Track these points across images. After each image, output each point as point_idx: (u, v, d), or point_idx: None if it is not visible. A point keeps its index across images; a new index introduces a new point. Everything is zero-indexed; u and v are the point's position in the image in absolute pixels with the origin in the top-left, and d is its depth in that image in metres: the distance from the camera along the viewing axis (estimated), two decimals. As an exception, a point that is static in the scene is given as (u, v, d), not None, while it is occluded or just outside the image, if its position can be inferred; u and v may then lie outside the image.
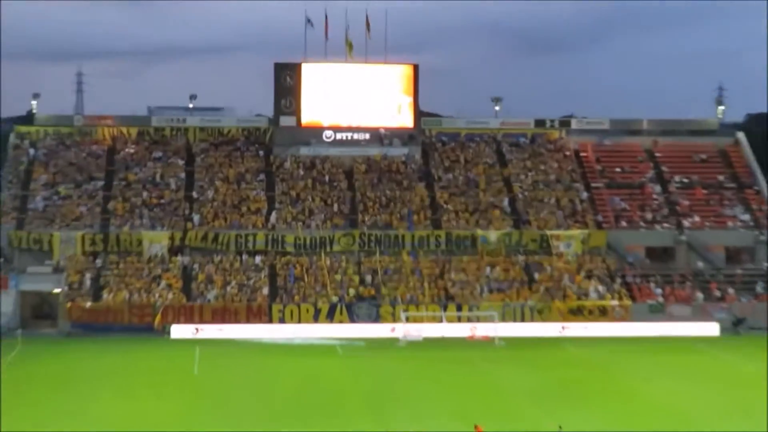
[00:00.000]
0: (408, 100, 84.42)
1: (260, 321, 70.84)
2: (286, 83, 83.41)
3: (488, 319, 69.32)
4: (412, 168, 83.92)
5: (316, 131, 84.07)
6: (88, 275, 73.36)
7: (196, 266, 74.87)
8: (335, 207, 79.85)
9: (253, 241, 76.45)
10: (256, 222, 78.11)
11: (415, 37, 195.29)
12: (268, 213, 78.98)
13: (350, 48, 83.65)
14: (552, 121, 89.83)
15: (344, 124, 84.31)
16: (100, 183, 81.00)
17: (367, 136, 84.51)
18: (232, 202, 79.66)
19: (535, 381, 54.07)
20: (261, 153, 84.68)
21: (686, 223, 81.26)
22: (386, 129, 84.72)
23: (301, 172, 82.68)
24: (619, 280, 75.87)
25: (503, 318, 70.76)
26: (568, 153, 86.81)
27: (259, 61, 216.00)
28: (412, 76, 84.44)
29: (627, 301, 74.09)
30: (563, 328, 70.64)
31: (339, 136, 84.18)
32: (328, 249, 76.53)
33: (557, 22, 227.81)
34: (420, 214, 79.55)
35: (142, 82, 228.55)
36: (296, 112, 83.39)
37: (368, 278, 74.58)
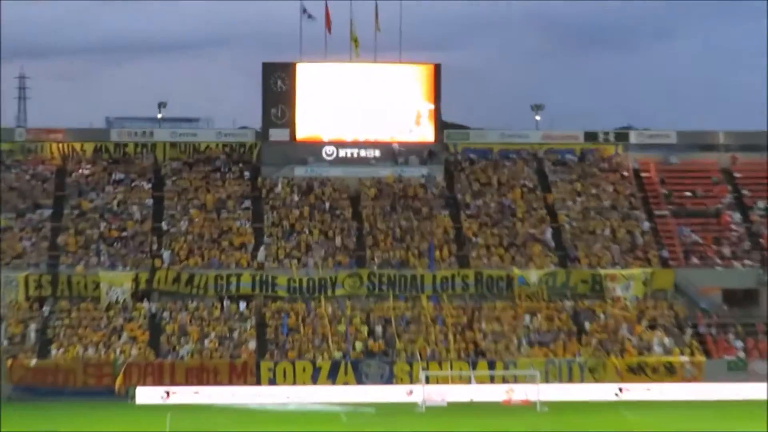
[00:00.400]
0: (428, 108, 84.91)
1: (246, 382, 71.13)
2: (277, 88, 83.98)
3: (528, 379, 69.50)
4: (433, 192, 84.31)
5: (315, 147, 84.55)
6: (32, 326, 73.76)
7: (166, 315, 75.26)
8: (338, 241, 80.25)
9: (237, 284, 76.84)
10: (241, 260, 78.52)
11: (436, 31, 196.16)
12: (255, 249, 79.37)
13: (356, 44, 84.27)
14: (606, 133, 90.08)
15: (349, 138, 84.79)
16: (48, 212, 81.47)
17: (378, 153, 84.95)
18: (211, 236, 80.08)
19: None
20: (246, 174, 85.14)
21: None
22: (401, 144, 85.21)
23: (296, 198, 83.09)
24: (689, 331, 76.06)
25: (546, 378, 71.00)
26: (626, 173, 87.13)
27: (244, 61, 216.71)
28: (432, 79, 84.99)
29: (700, 357, 74.26)
30: (620, 390, 70.82)
31: (342, 153, 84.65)
32: (329, 293, 76.88)
33: (612, 13, 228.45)
34: (443, 249, 79.89)
35: (100, 87, 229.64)
36: (290, 124, 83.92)
37: (379, 329, 74.88)
